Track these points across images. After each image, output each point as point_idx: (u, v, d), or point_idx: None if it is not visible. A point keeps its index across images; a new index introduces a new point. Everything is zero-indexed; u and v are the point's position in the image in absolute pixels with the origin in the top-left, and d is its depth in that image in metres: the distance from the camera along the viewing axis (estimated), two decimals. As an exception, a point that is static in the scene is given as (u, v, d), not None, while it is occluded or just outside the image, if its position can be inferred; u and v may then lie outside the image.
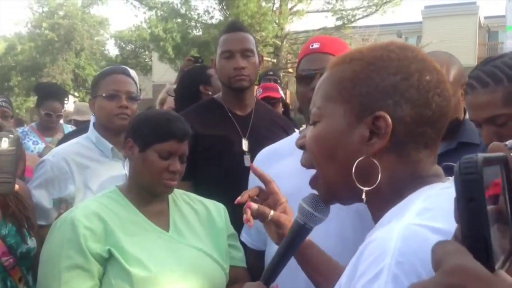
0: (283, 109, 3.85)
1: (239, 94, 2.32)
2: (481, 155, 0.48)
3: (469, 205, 0.46)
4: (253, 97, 2.44)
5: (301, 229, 1.08)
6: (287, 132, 2.37)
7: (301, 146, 0.95)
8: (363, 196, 0.83)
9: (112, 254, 1.52)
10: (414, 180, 0.82)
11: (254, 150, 2.13)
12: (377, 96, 0.83)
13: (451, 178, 0.83)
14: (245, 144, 2.26)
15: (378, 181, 0.82)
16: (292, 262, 1.57)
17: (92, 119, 2.33)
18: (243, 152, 2.24)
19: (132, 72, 2.55)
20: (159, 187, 1.66)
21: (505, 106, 1.49)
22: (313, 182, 0.95)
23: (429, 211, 0.72)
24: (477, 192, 0.46)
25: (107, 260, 1.53)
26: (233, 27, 2.37)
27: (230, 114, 2.32)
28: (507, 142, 1.38)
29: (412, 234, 0.68)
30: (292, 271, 1.60)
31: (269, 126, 2.39)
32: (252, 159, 2.14)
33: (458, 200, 0.48)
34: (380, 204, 0.83)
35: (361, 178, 0.83)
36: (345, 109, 0.86)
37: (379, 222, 0.82)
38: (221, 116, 2.31)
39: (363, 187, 0.83)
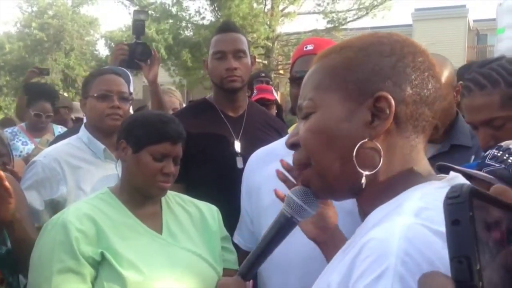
0: (276, 111, 3.85)
1: (232, 95, 2.30)
2: (468, 185, 0.49)
3: (453, 227, 0.47)
4: (245, 98, 2.43)
5: (287, 223, 1.01)
6: (280, 134, 2.36)
7: (293, 145, 0.91)
8: (363, 181, 0.81)
9: (104, 257, 1.50)
10: (410, 176, 0.81)
11: (246, 152, 2.12)
12: (375, 78, 0.82)
13: (451, 176, 0.82)
14: (237, 146, 2.25)
15: (380, 165, 0.80)
16: (283, 261, 1.57)
17: (84, 119, 2.30)
18: (236, 154, 2.23)
19: (126, 72, 2.53)
20: (153, 189, 1.64)
21: (502, 109, 1.50)
22: (303, 178, 0.91)
23: (426, 210, 0.70)
24: (461, 215, 0.47)
25: (99, 263, 1.51)
26: (226, 27, 2.36)
27: (222, 116, 2.31)
28: (503, 143, 1.38)
29: (416, 233, 0.67)
30: (284, 271, 1.60)
31: (262, 128, 2.38)
32: (244, 161, 2.13)
33: (445, 225, 0.49)
34: (373, 196, 0.81)
35: (361, 164, 0.81)
36: (342, 96, 0.84)
37: (369, 219, 0.80)
38: (214, 117, 2.30)
39: (363, 171, 0.81)
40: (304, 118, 0.88)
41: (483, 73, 1.55)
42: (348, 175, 0.83)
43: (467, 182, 0.79)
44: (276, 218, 1.03)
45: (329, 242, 1.22)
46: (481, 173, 1.28)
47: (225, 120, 2.30)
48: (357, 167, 0.80)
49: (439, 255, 0.64)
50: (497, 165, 1.28)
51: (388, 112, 0.79)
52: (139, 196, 1.66)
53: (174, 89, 4.19)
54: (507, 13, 3.33)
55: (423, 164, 0.84)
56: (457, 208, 0.48)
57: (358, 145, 0.80)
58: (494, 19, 3.58)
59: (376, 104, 0.80)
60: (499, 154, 1.30)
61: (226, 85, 2.26)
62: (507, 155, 1.29)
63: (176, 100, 3.86)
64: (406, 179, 0.80)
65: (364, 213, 0.84)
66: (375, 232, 0.70)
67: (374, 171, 0.80)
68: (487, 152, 1.38)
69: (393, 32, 0.89)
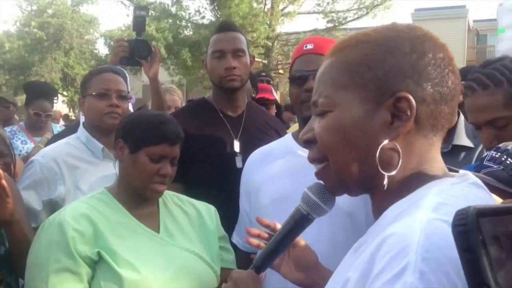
0: (276, 111, 3.84)
1: (231, 94, 2.29)
2: (474, 207, 0.49)
3: (466, 255, 0.48)
4: (244, 98, 2.42)
5: (303, 219, 1.02)
6: (279, 134, 2.35)
7: (307, 141, 0.90)
8: (385, 182, 0.79)
9: (101, 256, 1.49)
10: (425, 174, 0.80)
11: (246, 151, 2.11)
12: (395, 77, 0.79)
13: (462, 173, 0.82)
14: (236, 145, 2.24)
15: (399, 165, 0.79)
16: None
17: (82, 118, 2.29)
18: (235, 153, 2.22)
19: (123, 71, 2.52)
20: (148, 190, 1.63)
21: (505, 109, 1.50)
22: (321, 173, 0.90)
23: (445, 206, 0.69)
24: (472, 242, 0.48)
25: (96, 263, 1.50)
26: (225, 26, 2.35)
27: (221, 115, 2.29)
28: (501, 145, 1.37)
29: (436, 229, 0.66)
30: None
31: (261, 127, 2.37)
32: (243, 160, 2.12)
33: (458, 252, 0.49)
34: (389, 194, 0.80)
35: (381, 164, 0.79)
36: (361, 95, 0.81)
37: (383, 216, 0.79)
38: (213, 117, 2.29)
39: (385, 173, 0.79)
40: (319, 115, 0.86)
41: (486, 73, 1.55)
42: (366, 174, 0.82)
43: (479, 183, 0.79)
44: (292, 213, 1.04)
45: (318, 280, 1.21)
46: (479, 174, 1.27)
47: (224, 119, 2.29)
48: (380, 169, 0.79)
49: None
50: (495, 166, 1.28)
51: (409, 113, 0.78)
52: (136, 195, 1.65)
53: (175, 88, 4.19)
54: (507, 13, 3.32)
55: (438, 161, 0.83)
56: (467, 235, 0.48)
57: (380, 147, 0.79)
58: (494, 20, 3.57)
59: (396, 104, 0.78)
60: (497, 156, 1.30)
61: (225, 84, 2.24)
62: (505, 157, 1.28)
63: (178, 98, 3.86)
64: (422, 177, 0.80)
65: (378, 210, 0.83)
66: (394, 228, 0.70)
67: (395, 171, 0.79)
68: (485, 154, 1.37)
69: (412, 25, 0.86)
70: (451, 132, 2.02)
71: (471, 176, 0.81)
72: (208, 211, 1.80)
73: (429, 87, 0.79)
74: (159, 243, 1.61)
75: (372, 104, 0.80)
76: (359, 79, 0.81)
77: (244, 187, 1.85)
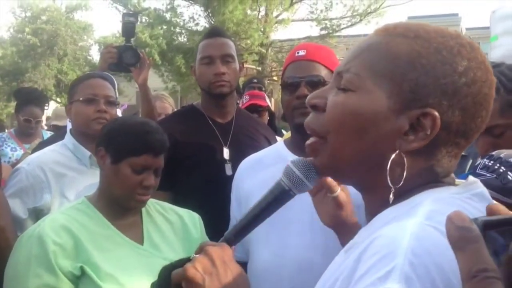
0: (268, 118, 3.82)
1: (220, 100, 2.27)
2: (481, 220, 0.46)
3: None
4: (234, 104, 2.40)
5: (283, 195, 0.94)
6: (269, 140, 2.33)
7: (314, 106, 0.84)
8: (391, 196, 0.75)
9: (84, 271, 1.44)
10: (428, 184, 0.76)
11: (235, 158, 2.09)
12: (434, 91, 0.73)
13: (463, 182, 0.79)
14: (226, 153, 2.21)
15: (403, 180, 0.74)
16: (276, 270, 1.53)
17: (68, 125, 2.26)
18: (225, 161, 2.19)
19: (111, 77, 2.49)
20: (131, 202, 1.58)
21: (502, 116, 1.48)
22: (312, 148, 0.84)
23: (440, 214, 0.66)
24: None
25: (78, 278, 1.44)
26: (213, 32, 2.34)
27: (210, 122, 2.27)
28: (494, 153, 1.35)
29: (427, 234, 0.63)
30: (276, 280, 1.56)
31: (251, 134, 2.35)
32: (233, 168, 2.09)
33: None
34: (385, 197, 0.77)
35: (382, 172, 0.75)
36: (392, 91, 0.75)
37: (377, 218, 0.76)
38: (202, 124, 2.26)
39: (393, 185, 0.75)
40: (340, 89, 0.80)
41: None
42: (365, 173, 0.79)
43: (484, 193, 0.76)
44: (272, 188, 0.96)
45: (345, 226, 1.19)
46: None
47: (213, 126, 2.27)
48: (389, 182, 0.75)
49: (448, 258, 0.60)
50: (488, 175, 1.26)
51: (429, 133, 0.73)
52: (118, 205, 1.60)
53: (167, 95, 4.17)
54: (500, 20, 3.32)
55: (447, 180, 0.79)
56: None
57: (391, 160, 0.74)
58: (486, 28, 3.57)
59: (420, 118, 0.74)
60: (490, 164, 1.28)
61: (214, 90, 2.22)
62: (498, 165, 1.26)
63: (169, 106, 3.84)
64: (423, 185, 0.76)
65: (372, 212, 0.80)
66: (385, 230, 0.67)
67: (399, 185, 0.75)
68: (478, 162, 1.35)
69: (475, 45, 0.78)
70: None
71: (478, 185, 0.77)
72: (192, 219, 1.76)
73: (460, 116, 0.74)
74: (143, 255, 1.57)
75: (398, 105, 0.75)
76: (399, 75, 0.75)
77: (235, 194, 1.82)
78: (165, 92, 5.37)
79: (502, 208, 0.54)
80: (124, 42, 2.74)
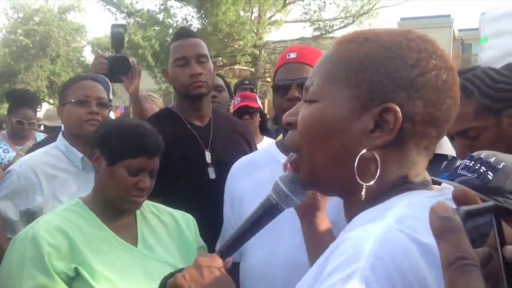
0: (260, 119, 3.82)
1: (197, 103, 2.22)
2: (462, 209, 0.48)
3: None
4: (209, 106, 2.33)
5: (272, 209, 0.99)
6: (246, 138, 2.32)
7: (289, 123, 0.88)
8: (362, 193, 0.77)
9: (79, 272, 1.44)
10: (403, 184, 0.78)
11: (217, 162, 2.09)
12: (390, 86, 0.76)
13: (443, 186, 0.80)
14: (208, 156, 2.17)
15: (377, 177, 0.76)
16: (267, 270, 1.54)
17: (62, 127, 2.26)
18: (207, 164, 2.15)
19: (106, 79, 2.49)
20: (126, 203, 1.58)
21: (476, 119, 1.50)
22: (294, 165, 0.88)
23: (411, 218, 0.68)
24: None
25: (73, 279, 1.44)
26: (184, 33, 2.30)
27: (189, 126, 2.22)
28: (475, 153, 1.37)
29: (393, 238, 0.64)
30: (268, 281, 1.57)
31: (230, 135, 2.31)
32: (216, 171, 2.09)
33: None
34: (361, 202, 0.78)
35: (358, 172, 0.77)
36: (351, 94, 0.78)
37: (353, 221, 0.77)
38: (180, 128, 2.21)
39: (364, 183, 0.76)
40: (307, 102, 0.84)
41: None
42: (341, 178, 0.80)
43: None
44: (262, 202, 1.02)
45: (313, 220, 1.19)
46: (452, 183, 1.27)
47: (192, 130, 2.21)
48: (358, 178, 0.77)
49: (412, 263, 0.62)
50: (469, 175, 1.28)
51: (392, 127, 0.75)
52: (113, 207, 1.61)
53: (154, 96, 4.16)
54: (490, 22, 3.35)
55: (420, 176, 0.80)
56: None
57: (358, 156, 0.76)
58: (478, 29, 3.59)
59: (383, 114, 0.76)
60: (471, 164, 1.30)
61: (192, 91, 2.17)
62: (478, 165, 1.28)
63: (156, 107, 3.83)
64: (399, 188, 0.77)
65: (350, 215, 0.81)
66: (354, 232, 0.68)
67: (372, 182, 0.76)
68: (459, 162, 1.37)
69: (427, 37, 0.81)
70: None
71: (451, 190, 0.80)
72: (186, 221, 1.77)
73: (421, 106, 0.76)
74: (137, 256, 1.57)
75: (359, 106, 0.77)
76: (354, 78, 0.78)
77: (228, 195, 1.83)
78: (158, 93, 5.36)
79: (468, 190, 0.54)
80: (114, 52, 2.74)
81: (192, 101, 2.22)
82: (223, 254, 1.08)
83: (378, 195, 0.77)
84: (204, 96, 2.21)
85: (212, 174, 2.13)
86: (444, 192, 0.78)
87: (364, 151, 0.76)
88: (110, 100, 2.39)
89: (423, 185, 0.80)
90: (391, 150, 0.77)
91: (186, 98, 2.22)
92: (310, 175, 0.84)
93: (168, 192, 2.04)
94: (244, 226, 1.05)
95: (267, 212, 1.01)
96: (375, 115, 0.76)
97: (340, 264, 0.64)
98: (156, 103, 3.86)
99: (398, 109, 0.75)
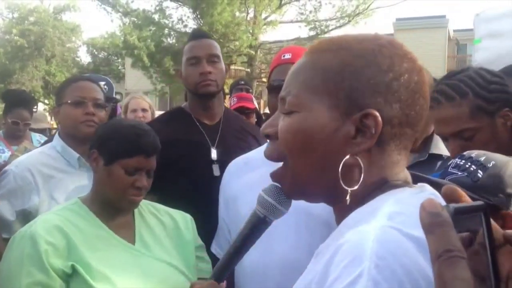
0: (256, 120, 3.84)
1: (207, 101, 2.27)
2: (452, 206, 0.49)
3: None
4: (221, 105, 2.39)
5: (260, 223, 0.99)
6: (257, 140, 2.34)
7: (268, 135, 0.89)
8: (347, 197, 0.78)
9: (75, 270, 1.46)
10: (386, 183, 0.80)
11: (223, 159, 2.10)
12: (367, 92, 0.78)
13: (421, 184, 0.82)
14: (214, 153, 2.21)
15: (361, 181, 0.78)
16: (261, 270, 1.55)
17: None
18: (212, 161, 2.20)
19: (108, 80, 2.50)
20: (124, 202, 1.60)
21: (471, 120, 1.51)
22: (277, 175, 0.88)
23: (400, 215, 0.70)
24: None
25: (70, 276, 1.46)
26: (198, 34, 2.36)
27: (198, 124, 2.27)
28: (465, 153, 1.39)
29: (389, 236, 0.66)
30: (261, 280, 1.58)
31: (238, 135, 2.35)
32: (221, 168, 2.11)
33: None
34: (348, 206, 0.79)
35: (342, 178, 0.78)
36: (330, 103, 0.79)
37: (343, 223, 0.79)
38: (189, 125, 2.27)
39: (348, 188, 0.78)
40: (285, 113, 0.85)
41: (451, 84, 1.56)
42: (326, 185, 0.82)
43: (437, 194, 0.79)
44: (249, 218, 1.01)
45: None
46: (444, 181, 1.29)
47: (201, 128, 2.27)
48: (342, 183, 0.78)
49: (412, 259, 0.64)
50: (459, 173, 1.30)
51: (374, 131, 0.77)
52: (111, 206, 1.62)
53: (141, 95, 4.19)
54: (484, 23, 3.38)
55: (401, 174, 0.83)
56: None
57: (342, 162, 0.78)
58: (473, 29, 3.63)
59: (363, 120, 0.78)
60: (461, 163, 1.32)
61: (201, 89, 2.22)
62: (469, 164, 1.30)
63: (143, 101, 3.86)
64: (383, 188, 0.79)
65: (340, 220, 0.83)
66: (349, 235, 0.69)
67: (356, 186, 0.78)
68: (450, 161, 1.39)
69: (395, 42, 0.84)
70: (428, 141, 2.03)
71: (428, 188, 0.81)
72: (184, 220, 1.78)
73: (398, 108, 0.78)
74: (135, 255, 1.59)
75: (339, 114, 0.79)
76: (332, 87, 0.80)
77: (223, 195, 1.83)
78: (154, 93, 5.39)
79: (456, 188, 0.56)
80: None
81: (202, 99, 2.26)
82: (218, 278, 1.08)
83: (364, 197, 0.79)
84: (213, 94, 2.25)
85: (216, 171, 2.15)
86: (424, 189, 0.81)
87: (347, 157, 0.78)
88: (114, 99, 2.40)
89: (405, 183, 0.82)
90: (373, 153, 0.79)
91: (196, 97, 2.27)
92: (295, 185, 0.86)
93: (172, 188, 2.07)
94: (234, 246, 1.05)
95: (255, 227, 1.00)
96: (355, 122, 0.78)
97: (344, 269, 0.65)
98: (143, 98, 3.89)
99: (378, 114, 0.77)
